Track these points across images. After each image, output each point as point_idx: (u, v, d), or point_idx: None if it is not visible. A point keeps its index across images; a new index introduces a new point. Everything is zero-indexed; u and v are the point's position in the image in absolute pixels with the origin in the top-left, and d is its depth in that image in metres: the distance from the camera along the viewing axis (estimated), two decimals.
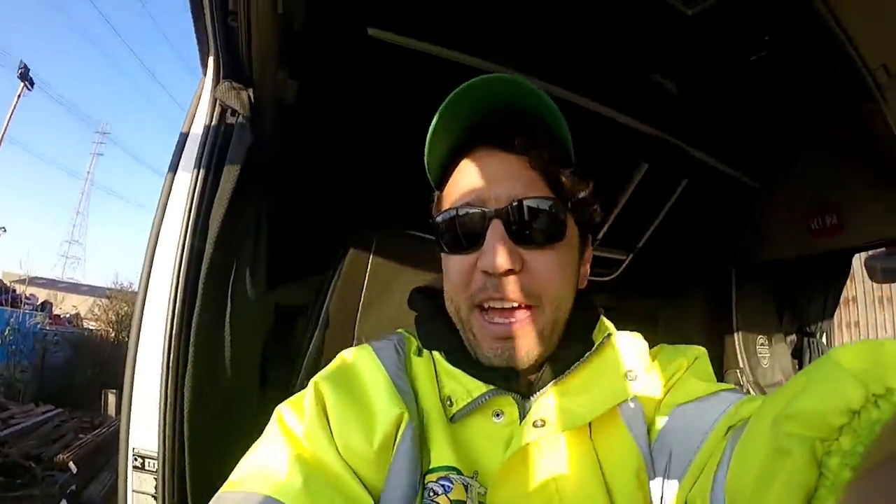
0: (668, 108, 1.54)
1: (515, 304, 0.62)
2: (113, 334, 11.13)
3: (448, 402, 0.65)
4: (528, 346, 0.63)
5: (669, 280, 2.09)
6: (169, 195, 0.99)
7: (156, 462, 0.94)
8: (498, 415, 0.64)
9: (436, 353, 0.70)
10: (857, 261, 2.25)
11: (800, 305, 2.28)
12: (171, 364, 0.91)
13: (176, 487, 0.93)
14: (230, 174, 0.95)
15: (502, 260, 0.59)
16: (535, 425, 0.61)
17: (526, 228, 0.61)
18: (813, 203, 1.84)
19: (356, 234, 1.33)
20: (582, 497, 0.63)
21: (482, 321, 0.64)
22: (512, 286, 0.61)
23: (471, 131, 0.66)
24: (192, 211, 0.94)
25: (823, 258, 2.03)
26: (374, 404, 0.62)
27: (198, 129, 1.01)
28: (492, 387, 0.64)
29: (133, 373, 0.95)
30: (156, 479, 0.94)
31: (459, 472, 0.60)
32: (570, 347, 0.67)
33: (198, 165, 0.97)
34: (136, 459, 0.95)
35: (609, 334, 0.69)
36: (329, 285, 1.29)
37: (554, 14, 1.23)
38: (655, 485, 0.61)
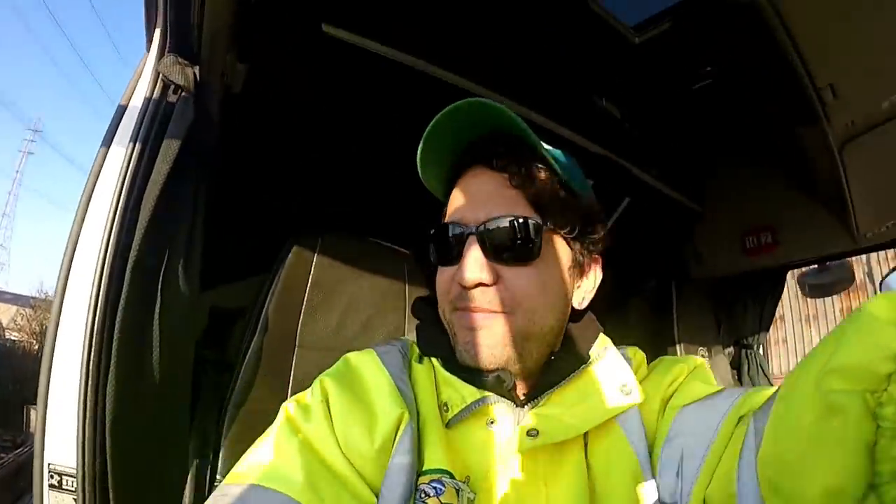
0: (612, 130, 1.59)
1: (488, 310, 0.64)
2: (37, 346, 10.41)
3: (444, 408, 0.67)
4: (492, 342, 0.64)
5: (611, 293, 2.13)
6: (99, 173, 0.91)
7: (74, 480, 0.82)
8: (491, 422, 0.66)
9: (435, 360, 0.72)
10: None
11: (737, 318, 2.38)
12: (91, 367, 0.81)
13: None
14: (168, 152, 0.88)
15: (472, 275, 0.63)
16: (528, 434, 0.63)
17: (500, 246, 0.64)
18: (749, 222, 1.92)
19: (300, 233, 1.27)
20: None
21: (460, 317, 0.66)
22: (482, 297, 0.64)
23: (464, 152, 0.70)
24: (124, 190, 0.86)
25: (759, 274, 2.14)
26: (377, 405, 0.64)
27: (136, 103, 0.93)
28: (486, 393, 0.66)
29: (49, 377, 0.85)
30: (75, 499, 0.82)
31: (452, 476, 0.61)
32: (565, 360, 0.70)
33: (133, 140, 0.89)
34: (52, 477, 0.84)
35: (606, 348, 0.73)
36: (269, 287, 1.22)
37: (509, 32, 1.24)
38: (666, 489, 0.62)
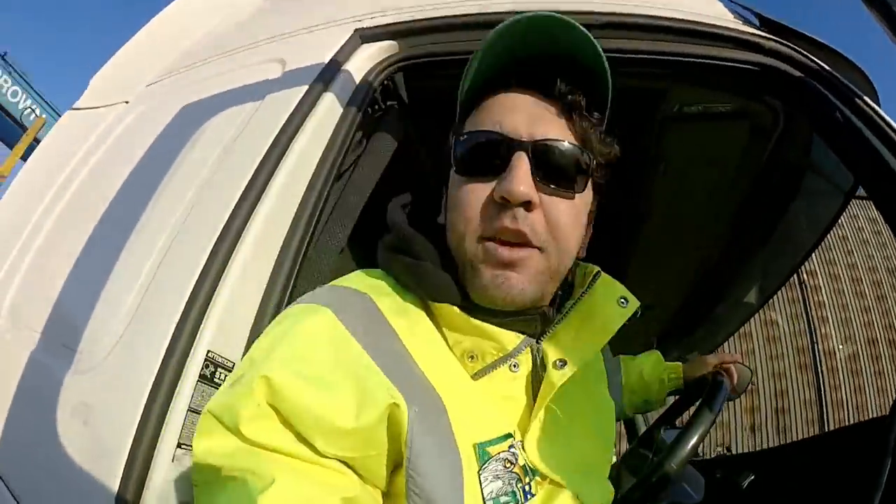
0: None
1: (523, 244, 0.61)
2: None
3: (470, 359, 0.63)
4: (525, 281, 0.61)
5: None
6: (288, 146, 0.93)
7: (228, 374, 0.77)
8: (515, 366, 0.65)
9: (437, 305, 0.64)
10: None
11: None
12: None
13: None
14: (376, 163, 1.04)
15: (524, 188, 0.58)
16: (555, 367, 0.64)
17: (550, 168, 0.61)
18: None
19: None
20: (607, 416, 0.83)
21: (487, 249, 0.61)
22: (525, 220, 0.60)
23: (509, 68, 0.66)
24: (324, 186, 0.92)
25: None
26: (352, 393, 0.53)
27: (347, 97, 1.01)
28: (523, 336, 0.65)
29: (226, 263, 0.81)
30: None
31: (512, 436, 0.61)
32: (569, 293, 0.73)
33: (346, 134, 0.98)
34: (207, 366, 0.74)
35: (598, 272, 0.73)
36: None
37: None
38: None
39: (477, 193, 0.62)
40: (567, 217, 0.63)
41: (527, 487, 0.59)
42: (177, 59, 1.41)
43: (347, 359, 0.55)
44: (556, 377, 0.64)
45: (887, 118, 0.99)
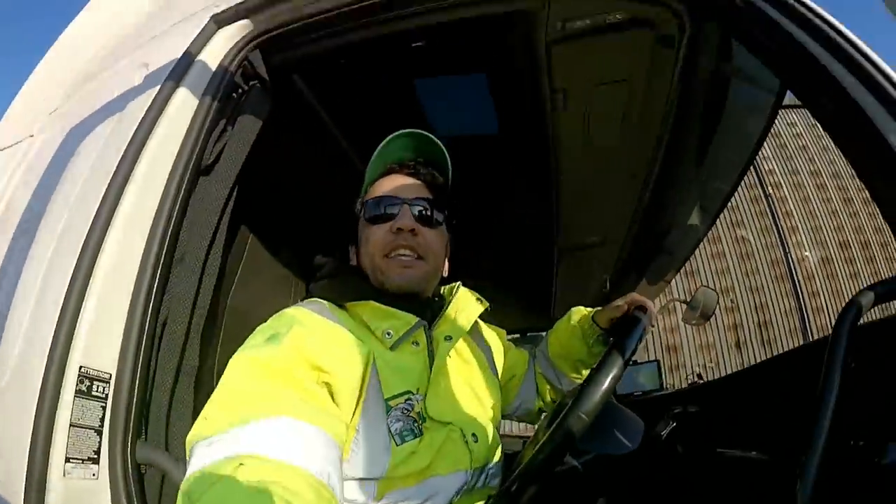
0: None
1: (412, 254, 1.01)
2: None
3: (387, 335, 0.94)
4: (419, 277, 1.02)
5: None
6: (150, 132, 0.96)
7: (106, 385, 0.82)
8: (416, 343, 0.98)
9: (356, 305, 0.99)
10: None
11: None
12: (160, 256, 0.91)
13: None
14: (242, 140, 1.08)
15: (408, 221, 1.01)
16: (445, 340, 1.01)
17: (421, 214, 1.04)
18: None
19: None
20: (484, 380, 1.11)
21: (391, 260, 1.01)
22: (412, 239, 1.01)
23: (396, 162, 1.11)
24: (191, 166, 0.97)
25: None
26: (348, 347, 0.86)
27: (206, 80, 1.04)
28: (418, 318, 0.98)
29: (88, 274, 0.85)
30: (103, 406, 0.81)
31: (412, 392, 0.91)
32: (440, 298, 1.16)
33: (204, 117, 1.01)
34: (81, 382, 0.79)
35: (458, 285, 1.19)
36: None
37: None
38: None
39: (382, 231, 1.02)
40: (435, 239, 1.06)
41: (421, 426, 0.88)
42: (73, 81, 1.42)
43: (332, 326, 0.89)
44: (445, 347, 1.00)
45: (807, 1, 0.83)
